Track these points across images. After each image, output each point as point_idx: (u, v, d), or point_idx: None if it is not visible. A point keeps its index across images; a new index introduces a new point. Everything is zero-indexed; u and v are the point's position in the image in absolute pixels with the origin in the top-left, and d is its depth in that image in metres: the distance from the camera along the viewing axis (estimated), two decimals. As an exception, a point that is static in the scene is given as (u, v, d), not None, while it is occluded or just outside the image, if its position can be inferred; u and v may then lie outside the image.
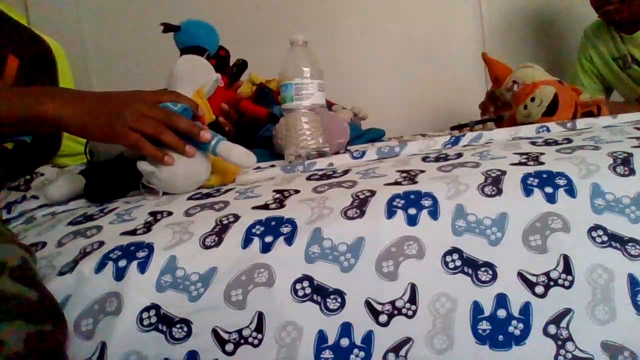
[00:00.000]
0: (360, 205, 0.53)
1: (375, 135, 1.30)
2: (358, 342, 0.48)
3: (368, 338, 0.48)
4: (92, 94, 0.64)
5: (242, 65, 1.23)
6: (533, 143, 0.67)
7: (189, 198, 0.62)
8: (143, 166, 0.63)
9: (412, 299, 0.49)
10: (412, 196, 0.53)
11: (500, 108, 1.27)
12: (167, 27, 1.09)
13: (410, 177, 0.58)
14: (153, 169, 0.63)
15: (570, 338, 0.48)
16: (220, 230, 0.52)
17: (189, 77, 0.73)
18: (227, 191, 0.63)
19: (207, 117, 0.72)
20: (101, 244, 0.53)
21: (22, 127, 0.60)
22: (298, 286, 0.49)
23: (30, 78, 0.92)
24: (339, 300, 0.49)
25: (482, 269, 0.49)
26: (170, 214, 0.58)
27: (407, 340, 0.48)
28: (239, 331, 0.48)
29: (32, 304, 0.41)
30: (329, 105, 1.40)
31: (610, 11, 1.40)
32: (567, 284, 0.49)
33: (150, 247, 0.51)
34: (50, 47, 1.02)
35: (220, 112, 1.09)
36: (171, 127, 0.62)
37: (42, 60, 0.99)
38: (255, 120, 1.13)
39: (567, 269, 0.49)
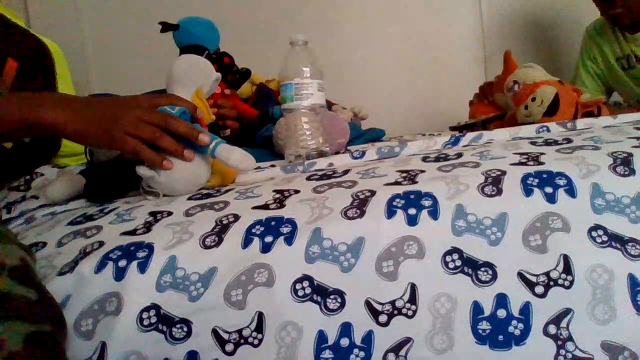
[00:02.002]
0: (360, 205, 0.53)
1: (375, 135, 1.30)
2: (358, 342, 0.48)
3: (368, 338, 0.48)
4: (90, 100, 0.63)
5: (245, 74, 1.22)
6: (533, 143, 0.67)
7: (189, 198, 0.62)
8: (142, 171, 0.63)
9: (412, 299, 0.49)
10: (412, 196, 0.53)
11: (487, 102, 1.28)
12: (165, 26, 1.08)
13: (410, 177, 0.58)
14: (152, 173, 0.63)
15: (570, 338, 0.48)
16: (220, 230, 0.52)
17: (188, 78, 0.72)
18: (227, 191, 0.63)
19: (207, 118, 0.71)
20: (101, 244, 0.53)
21: (19, 133, 0.60)
22: (298, 286, 0.49)
23: (28, 80, 0.92)
24: (339, 300, 0.48)
25: (482, 269, 0.49)
26: (170, 214, 0.58)
27: (407, 340, 0.48)
28: (239, 331, 0.48)
29: (31, 304, 0.41)
30: (329, 105, 1.40)
31: (616, 15, 1.40)
32: (567, 284, 0.49)
33: (150, 247, 0.51)
34: (49, 49, 1.02)
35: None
36: (169, 131, 0.62)
37: (41, 63, 0.99)
38: (252, 120, 1.13)
39: (567, 269, 0.49)
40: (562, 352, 0.47)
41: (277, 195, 0.58)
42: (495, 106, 1.26)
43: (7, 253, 0.44)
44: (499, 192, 0.53)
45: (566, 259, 0.49)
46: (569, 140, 0.66)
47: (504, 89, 1.09)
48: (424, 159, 0.66)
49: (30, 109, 0.58)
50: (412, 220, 0.51)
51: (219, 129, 1.03)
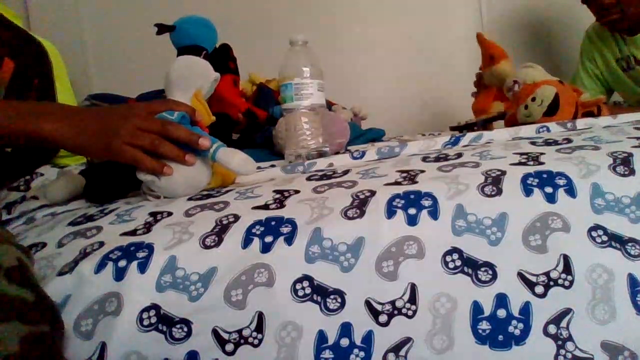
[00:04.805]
0: (360, 205, 0.53)
1: (375, 135, 1.31)
2: (358, 342, 0.48)
3: (368, 338, 0.48)
4: (88, 110, 0.63)
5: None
6: (533, 143, 0.67)
7: (189, 198, 0.62)
8: (142, 176, 0.63)
9: (412, 299, 0.49)
10: (412, 196, 0.53)
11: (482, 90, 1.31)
12: (161, 28, 1.08)
13: (410, 177, 0.58)
14: (153, 178, 0.62)
15: (570, 338, 0.48)
16: (220, 231, 0.52)
17: (186, 80, 0.71)
18: (227, 191, 0.63)
19: (207, 120, 0.71)
20: (101, 244, 0.53)
21: (17, 142, 0.60)
22: (298, 286, 0.49)
23: (25, 81, 0.91)
24: (339, 300, 0.48)
25: (482, 269, 0.49)
26: (170, 214, 0.58)
27: (407, 340, 0.48)
28: (239, 331, 0.48)
29: (28, 305, 0.41)
30: (329, 105, 1.40)
31: (612, 21, 1.41)
32: (567, 283, 0.49)
33: (150, 247, 0.51)
34: (46, 49, 1.02)
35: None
36: (169, 138, 0.62)
37: (38, 64, 0.98)
38: (255, 120, 1.14)
39: (567, 268, 0.49)
40: (562, 352, 0.47)
41: (277, 196, 0.58)
42: (491, 91, 1.30)
43: (3, 254, 0.44)
44: (499, 192, 0.53)
45: (566, 259, 0.49)
46: (569, 140, 0.66)
47: (491, 73, 1.12)
48: (424, 159, 0.66)
49: (28, 120, 0.58)
50: (412, 220, 0.51)
51: (227, 122, 1.04)
